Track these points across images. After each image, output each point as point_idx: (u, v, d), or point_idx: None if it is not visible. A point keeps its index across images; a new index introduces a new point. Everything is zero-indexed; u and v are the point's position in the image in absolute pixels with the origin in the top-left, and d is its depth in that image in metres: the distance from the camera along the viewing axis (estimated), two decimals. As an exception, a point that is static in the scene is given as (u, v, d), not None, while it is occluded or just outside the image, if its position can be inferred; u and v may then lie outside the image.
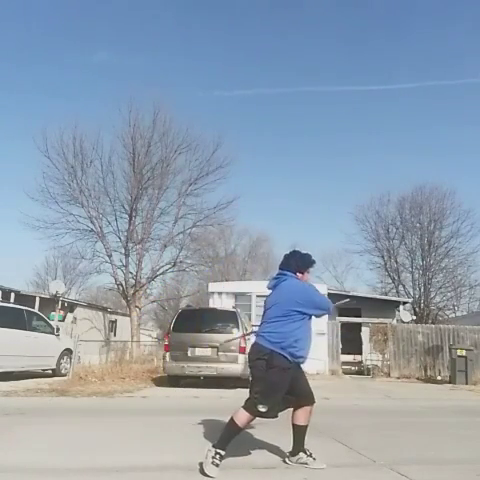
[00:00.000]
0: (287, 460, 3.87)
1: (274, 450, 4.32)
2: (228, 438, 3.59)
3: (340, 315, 18.61)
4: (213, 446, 3.53)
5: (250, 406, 3.63)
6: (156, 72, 56.27)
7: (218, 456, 3.45)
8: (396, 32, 59.42)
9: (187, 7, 60.17)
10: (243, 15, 61.20)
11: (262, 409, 3.56)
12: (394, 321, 19.17)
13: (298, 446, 3.84)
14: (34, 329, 11.99)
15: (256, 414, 3.61)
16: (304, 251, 4.11)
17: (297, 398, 3.83)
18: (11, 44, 56.44)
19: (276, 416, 3.73)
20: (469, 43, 57.43)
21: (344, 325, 17.87)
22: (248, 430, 5.30)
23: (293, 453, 3.85)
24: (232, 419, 3.64)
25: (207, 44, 61.74)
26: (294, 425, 3.86)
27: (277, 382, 3.64)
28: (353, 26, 58.23)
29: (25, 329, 11.46)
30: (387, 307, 20.30)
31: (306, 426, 3.86)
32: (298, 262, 3.97)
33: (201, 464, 3.46)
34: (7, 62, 54.41)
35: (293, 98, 62.71)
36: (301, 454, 3.81)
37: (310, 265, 4.02)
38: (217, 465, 3.41)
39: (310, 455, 3.79)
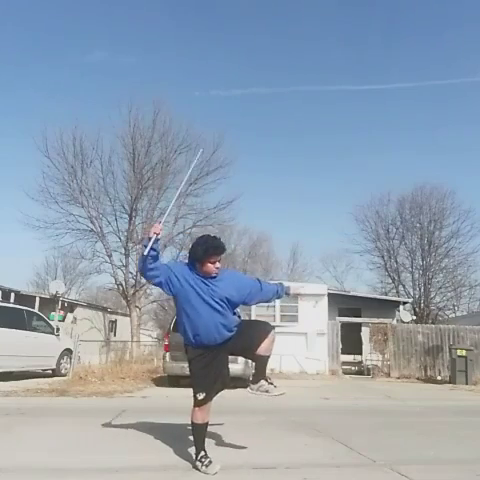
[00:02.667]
0: (248, 388, 3.99)
1: (274, 450, 4.33)
2: (199, 440, 3.73)
3: (340, 315, 18.62)
4: (195, 458, 3.67)
5: (193, 400, 3.78)
6: (154, 72, 56.27)
7: (203, 459, 3.60)
8: (395, 31, 59.45)
9: (186, 7, 60.19)
10: (242, 14, 61.21)
11: (199, 397, 3.72)
12: (394, 321, 19.17)
13: (259, 374, 3.96)
14: (34, 329, 11.99)
15: (197, 403, 3.73)
16: (205, 238, 3.80)
17: (249, 349, 3.89)
18: (11, 44, 56.45)
19: (207, 404, 3.79)
20: (469, 42, 57.45)
21: (344, 325, 17.87)
22: (248, 430, 5.31)
23: (254, 381, 3.97)
24: (191, 421, 3.78)
25: (204, 43, 61.77)
26: (255, 355, 3.89)
27: (194, 372, 3.80)
28: (352, 25, 58.29)
29: (25, 329, 11.47)
30: (387, 307, 20.29)
31: (268, 356, 3.93)
32: (190, 254, 3.79)
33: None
34: (7, 62, 54.42)
35: (293, 98, 62.72)
36: (262, 381, 3.94)
37: (201, 256, 3.64)
38: (207, 465, 3.54)
39: (271, 383, 3.94)
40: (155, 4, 59.68)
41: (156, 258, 3.67)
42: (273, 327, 4.02)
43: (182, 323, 3.79)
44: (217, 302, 3.70)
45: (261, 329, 3.95)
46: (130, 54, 61.60)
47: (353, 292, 23.45)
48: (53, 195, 23.75)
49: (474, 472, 3.74)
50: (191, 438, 4.67)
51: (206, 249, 3.63)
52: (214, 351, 3.77)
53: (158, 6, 60.23)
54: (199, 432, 3.75)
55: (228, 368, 3.98)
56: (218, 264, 3.69)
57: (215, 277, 3.72)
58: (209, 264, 3.65)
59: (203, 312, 3.67)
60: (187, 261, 3.84)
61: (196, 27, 61.99)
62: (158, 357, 16.48)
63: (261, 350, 3.85)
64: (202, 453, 3.64)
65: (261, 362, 3.92)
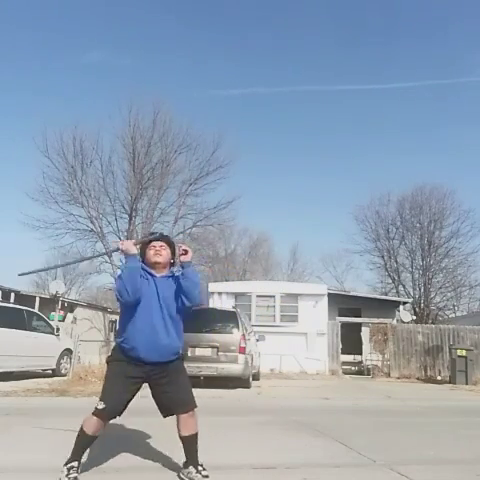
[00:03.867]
0: (180, 473, 3.42)
1: (274, 450, 4.33)
2: (79, 449, 3.24)
3: (340, 315, 18.62)
4: (65, 464, 3.16)
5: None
6: (154, 72, 56.29)
7: (71, 471, 3.11)
8: (395, 30, 59.45)
9: (186, 7, 60.20)
10: (241, 14, 61.22)
11: (99, 406, 3.23)
12: (394, 321, 19.17)
13: (189, 459, 3.39)
14: (34, 329, 11.99)
15: (94, 412, 3.23)
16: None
17: (166, 407, 3.43)
18: (11, 44, 56.45)
19: (114, 416, 3.31)
20: (468, 41, 57.45)
21: (344, 325, 17.88)
22: (248, 430, 5.31)
23: (184, 466, 3.43)
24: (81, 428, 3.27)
25: (203, 43, 61.77)
26: (180, 435, 3.42)
27: (107, 376, 3.39)
28: (352, 25, 58.28)
29: (25, 329, 11.46)
30: (387, 307, 20.30)
31: (192, 435, 3.39)
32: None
33: None
34: (7, 62, 54.43)
35: (293, 98, 62.73)
36: (191, 468, 3.34)
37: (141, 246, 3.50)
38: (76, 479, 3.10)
39: (199, 472, 3.30)
40: (155, 4, 59.71)
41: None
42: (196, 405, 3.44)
43: (121, 324, 3.47)
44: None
45: (181, 402, 3.37)
46: (130, 54, 61.65)
47: (353, 292, 23.47)
48: (53, 195, 23.77)
49: (474, 472, 3.73)
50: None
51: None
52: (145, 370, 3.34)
53: (158, 6, 60.26)
54: (83, 442, 3.24)
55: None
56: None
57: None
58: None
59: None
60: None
61: (196, 27, 62.02)
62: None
63: (181, 430, 3.38)
64: (75, 463, 3.15)
65: (186, 443, 3.39)
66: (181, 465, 3.44)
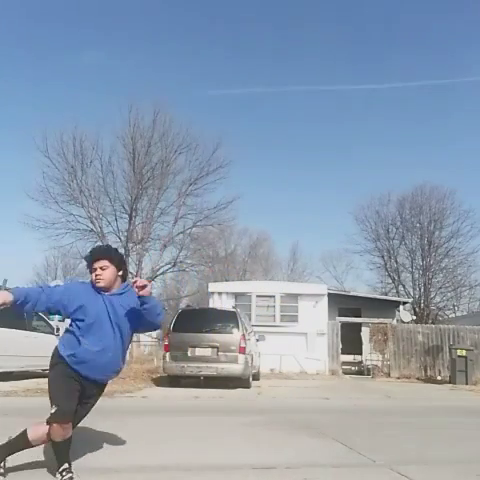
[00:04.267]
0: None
1: (274, 450, 4.33)
2: (61, 454, 3.26)
3: (340, 315, 18.63)
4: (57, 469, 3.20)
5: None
6: (154, 72, 56.23)
7: (64, 472, 3.16)
8: (395, 29, 59.40)
9: (187, 7, 60.19)
10: (241, 14, 61.20)
11: (51, 410, 3.27)
12: (394, 321, 19.17)
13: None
14: (34, 329, 12.00)
15: (49, 419, 3.25)
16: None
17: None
18: (11, 43, 56.41)
19: (70, 416, 3.29)
20: (469, 41, 57.44)
21: (344, 325, 17.87)
22: (248, 430, 5.31)
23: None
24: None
25: (202, 43, 61.72)
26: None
27: (51, 379, 3.47)
28: (351, 24, 58.24)
29: (25, 329, 11.46)
30: (387, 307, 20.30)
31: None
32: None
33: None
34: (7, 62, 54.41)
35: (292, 97, 62.70)
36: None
37: (87, 264, 3.40)
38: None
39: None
40: (155, 4, 59.70)
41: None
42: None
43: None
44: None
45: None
46: (130, 54, 61.56)
47: (353, 292, 23.47)
48: (53, 195, 23.81)
49: (474, 472, 3.73)
50: (191, 438, 4.68)
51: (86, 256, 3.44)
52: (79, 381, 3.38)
53: (158, 6, 60.23)
54: (61, 447, 3.23)
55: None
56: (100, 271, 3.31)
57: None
58: (91, 273, 3.35)
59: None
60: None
61: (195, 27, 61.99)
62: (158, 357, 16.47)
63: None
64: (65, 465, 3.19)
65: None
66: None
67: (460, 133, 59.39)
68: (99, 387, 3.45)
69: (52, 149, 23.99)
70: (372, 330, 18.03)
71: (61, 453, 3.24)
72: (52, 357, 3.48)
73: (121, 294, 3.35)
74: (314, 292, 17.85)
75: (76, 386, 3.32)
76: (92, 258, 3.33)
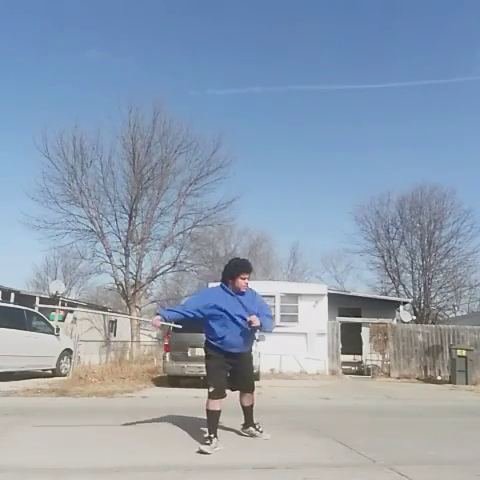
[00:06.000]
0: (240, 430, 4.94)
1: (274, 450, 4.33)
2: (210, 424, 4.37)
3: (340, 315, 18.62)
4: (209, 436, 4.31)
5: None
6: (153, 72, 56.29)
7: (207, 441, 4.21)
8: (395, 29, 59.42)
9: (186, 7, 60.20)
10: (241, 14, 61.21)
11: (210, 390, 4.40)
12: (394, 321, 19.17)
13: (247, 421, 4.87)
14: (34, 329, 11.99)
15: (209, 396, 4.41)
16: (236, 258, 4.82)
17: (237, 386, 4.74)
18: (10, 43, 56.44)
19: (223, 396, 4.46)
20: (469, 41, 57.44)
21: (344, 325, 17.87)
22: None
23: (244, 426, 4.91)
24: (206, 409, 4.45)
25: (202, 42, 61.74)
26: (241, 405, 4.86)
27: (208, 367, 4.59)
28: (351, 24, 58.27)
29: (25, 329, 11.47)
30: (387, 307, 20.29)
31: (250, 406, 4.83)
32: (224, 272, 4.66)
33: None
34: (6, 61, 54.42)
35: (292, 97, 62.72)
36: (250, 428, 4.85)
37: (233, 273, 4.55)
38: (208, 444, 4.15)
39: (258, 429, 4.81)
40: (155, 4, 59.71)
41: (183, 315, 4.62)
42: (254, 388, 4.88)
43: (210, 328, 4.58)
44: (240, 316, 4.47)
45: (244, 384, 4.77)
46: (130, 54, 61.62)
47: (353, 292, 23.45)
48: (53, 195, 23.83)
49: (474, 472, 3.73)
50: (191, 438, 4.70)
51: (234, 265, 4.57)
52: (229, 359, 4.54)
53: (158, 6, 60.26)
54: (213, 419, 4.39)
55: (244, 376, 4.73)
56: (247, 281, 4.55)
57: (244, 293, 4.52)
58: (239, 280, 4.50)
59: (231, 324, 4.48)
60: (221, 282, 4.65)
61: (195, 27, 62.02)
62: (158, 357, 16.48)
63: (243, 401, 4.82)
64: (212, 435, 4.27)
65: (246, 411, 4.85)
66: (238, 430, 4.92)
67: (460, 133, 59.46)
68: (238, 357, 4.65)
69: (52, 149, 24.03)
70: (372, 330, 18.02)
71: (211, 424, 4.36)
72: (205, 347, 4.74)
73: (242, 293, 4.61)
74: (314, 292, 17.83)
75: (224, 370, 4.58)
76: (250, 270, 4.64)
